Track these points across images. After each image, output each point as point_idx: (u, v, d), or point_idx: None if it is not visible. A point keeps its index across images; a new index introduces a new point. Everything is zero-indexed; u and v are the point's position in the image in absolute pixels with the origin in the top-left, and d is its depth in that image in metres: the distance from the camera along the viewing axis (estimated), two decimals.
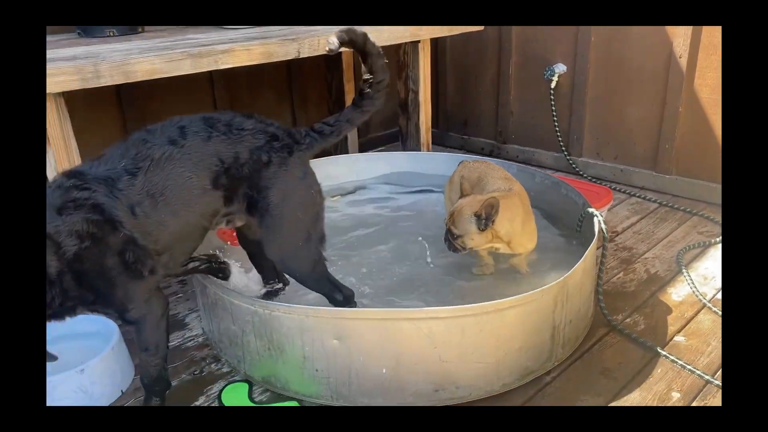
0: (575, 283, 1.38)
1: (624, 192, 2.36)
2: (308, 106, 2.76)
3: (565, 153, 2.58)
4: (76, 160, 1.42)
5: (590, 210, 1.63)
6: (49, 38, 1.79)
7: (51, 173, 1.40)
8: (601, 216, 1.62)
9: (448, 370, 1.25)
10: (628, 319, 1.58)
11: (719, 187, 2.16)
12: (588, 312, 1.52)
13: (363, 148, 2.92)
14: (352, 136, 2.71)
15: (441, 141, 3.11)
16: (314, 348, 1.25)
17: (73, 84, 1.31)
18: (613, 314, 1.57)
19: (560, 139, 2.58)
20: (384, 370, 1.25)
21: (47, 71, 1.26)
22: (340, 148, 2.72)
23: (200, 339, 1.56)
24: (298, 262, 1.35)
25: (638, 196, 2.32)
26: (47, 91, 1.28)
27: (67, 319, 1.13)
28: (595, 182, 2.44)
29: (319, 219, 1.35)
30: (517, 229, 1.54)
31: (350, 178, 2.25)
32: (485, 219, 1.47)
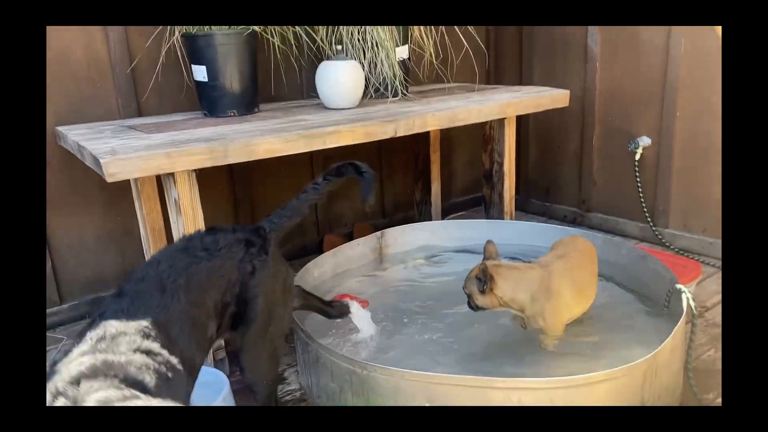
0: (664, 359, 1.40)
1: (714, 266, 2.33)
2: (396, 175, 2.93)
3: (651, 224, 2.58)
4: (201, 226, 1.62)
5: (678, 286, 1.65)
6: (179, 116, 2.06)
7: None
8: (690, 292, 1.63)
9: None
10: (719, 399, 1.56)
11: None
12: (677, 390, 1.52)
13: (445, 212, 3.04)
14: (436, 202, 2.84)
15: (522, 207, 3.19)
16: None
17: (206, 162, 1.52)
18: (704, 393, 1.56)
19: (645, 209, 2.59)
20: None
21: (186, 150, 1.48)
22: (424, 215, 2.85)
23: (298, 393, 1.68)
24: (267, 363, 1.35)
25: None
26: (187, 168, 1.50)
27: None
28: (683, 255, 2.42)
29: (290, 310, 1.41)
30: (527, 302, 1.59)
31: (433, 243, 2.36)
32: (483, 282, 1.56)
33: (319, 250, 2.73)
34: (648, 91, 2.51)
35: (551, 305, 1.59)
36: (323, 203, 2.73)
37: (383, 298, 2.03)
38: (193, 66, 1.94)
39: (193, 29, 1.88)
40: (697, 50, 2.30)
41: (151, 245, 2.02)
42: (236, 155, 1.56)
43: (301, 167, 2.56)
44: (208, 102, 1.98)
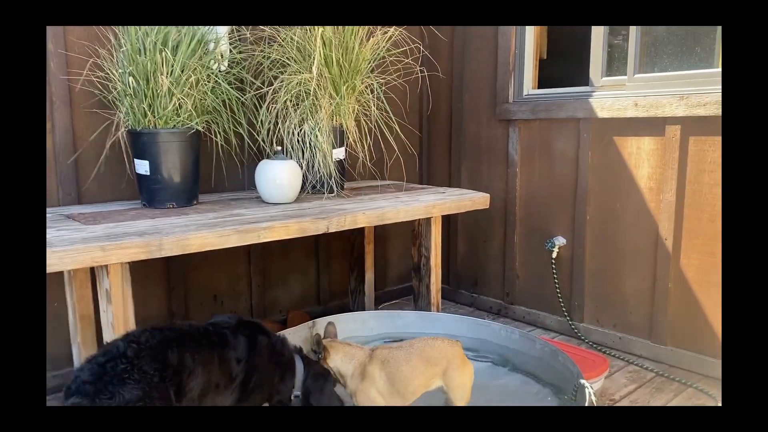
0: None
1: (623, 359, 2.49)
2: (332, 264, 3.03)
3: (568, 318, 2.75)
4: (131, 320, 1.65)
5: (582, 381, 1.78)
6: (118, 206, 2.12)
7: (109, 331, 1.63)
8: (592, 387, 1.76)
9: None
10: None
11: (713, 360, 2.30)
12: None
13: (379, 300, 3.14)
14: (370, 291, 2.94)
15: (453, 297, 3.32)
16: None
17: (140, 255, 1.58)
18: None
19: (562, 304, 2.77)
20: None
21: (121, 243, 1.54)
22: (358, 303, 2.94)
23: None
24: None
25: (636, 364, 2.44)
26: (121, 260, 1.56)
27: None
28: (595, 348, 2.59)
29: None
30: (348, 377, 1.74)
31: (362, 334, 2.43)
32: (317, 353, 1.75)
33: None
34: (562, 196, 2.76)
35: (362, 386, 1.72)
36: (258, 290, 2.79)
37: None
38: (135, 160, 2.03)
39: (138, 126, 1.99)
40: (603, 162, 2.58)
41: (79, 332, 2.02)
42: (170, 249, 1.63)
43: (237, 253, 2.63)
44: (148, 193, 2.06)
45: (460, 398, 1.79)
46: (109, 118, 2.11)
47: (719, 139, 2.21)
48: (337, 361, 1.76)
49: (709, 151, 2.25)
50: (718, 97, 2.17)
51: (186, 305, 2.56)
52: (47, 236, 1.58)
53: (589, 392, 1.71)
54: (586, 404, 1.66)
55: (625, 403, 2.14)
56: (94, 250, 1.50)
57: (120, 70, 1.96)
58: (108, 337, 1.65)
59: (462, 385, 1.79)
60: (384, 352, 1.76)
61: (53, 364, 2.20)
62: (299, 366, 1.67)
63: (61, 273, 2.00)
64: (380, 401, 1.72)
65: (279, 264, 2.82)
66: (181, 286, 2.53)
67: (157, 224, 1.78)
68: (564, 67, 3.19)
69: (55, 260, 1.44)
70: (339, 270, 3.07)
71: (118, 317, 1.64)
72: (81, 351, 2.04)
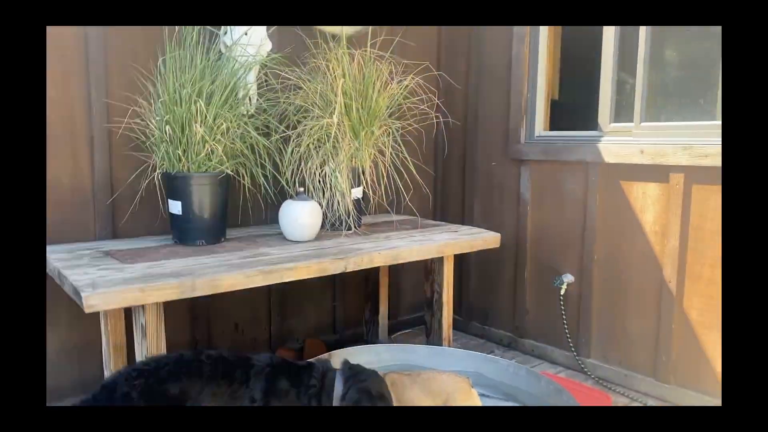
0: None
1: (627, 396, 2.57)
2: (347, 295, 3.15)
3: (575, 353, 2.84)
4: (163, 351, 1.78)
5: None
6: (151, 242, 2.26)
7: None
8: None
9: None
10: None
11: (714, 400, 2.37)
12: None
13: (392, 329, 3.25)
14: (383, 321, 3.06)
15: (464, 329, 3.42)
16: None
17: (175, 296, 1.72)
18: None
19: (570, 339, 2.86)
20: None
21: (158, 285, 1.68)
22: (372, 332, 3.05)
23: None
24: None
25: (640, 402, 2.52)
26: (157, 301, 1.69)
27: None
28: (600, 384, 2.67)
29: None
30: None
31: (376, 366, 2.54)
32: None
33: None
34: (571, 235, 2.86)
35: None
36: (277, 319, 2.91)
37: None
38: (169, 200, 2.18)
39: (173, 170, 2.14)
40: (610, 205, 2.68)
41: (112, 359, 2.15)
42: (202, 289, 1.76)
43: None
44: (180, 231, 2.20)
45: None
46: (145, 161, 2.27)
47: (720, 187, 2.31)
48: None
49: (711, 200, 2.35)
50: (719, 148, 2.28)
51: (209, 333, 2.70)
52: (91, 275, 1.73)
53: None
54: None
55: None
56: (134, 291, 1.64)
57: (157, 118, 2.12)
58: None
59: None
60: (393, 375, 1.89)
61: (86, 388, 2.33)
62: (337, 387, 1.62)
63: None
64: None
65: (297, 294, 2.95)
66: (204, 315, 2.67)
67: (189, 264, 1.91)
68: (575, 109, 3.31)
69: (99, 301, 1.58)
70: (353, 300, 3.19)
71: (152, 349, 1.77)
72: None
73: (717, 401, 2.37)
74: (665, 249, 2.50)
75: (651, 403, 2.50)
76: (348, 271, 2.11)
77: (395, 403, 1.82)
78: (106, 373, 2.21)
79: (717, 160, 2.29)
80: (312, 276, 2.02)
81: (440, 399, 1.88)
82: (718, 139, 2.33)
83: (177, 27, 2.29)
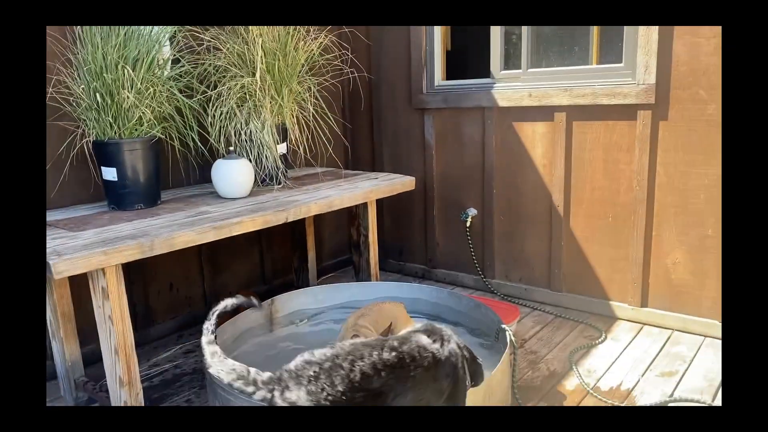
0: (497, 380, 1.94)
1: (529, 306, 3.02)
2: (274, 246, 3.31)
3: (482, 276, 3.24)
4: (126, 312, 1.87)
5: (503, 326, 2.23)
6: (86, 210, 2.27)
7: (107, 323, 1.84)
8: (511, 329, 2.22)
9: None
10: (541, 402, 2.14)
11: (598, 300, 2.87)
12: (506, 403, 2.07)
13: (319, 274, 3.46)
14: (312, 268, 3.26)
15: (382, 266, 3.71)
16: None
17: (136, 256, 1.80)
18: (527, 403, 2.13)
19: (477, 265, 3.25)
20: None
21: (119, 247, 1.75)
22: (302, 279, 3.25)
23: None
24: None
25: (540, 310, 2.97)
26: (120, 262, 1.77)
27: None
28: (505, 299, 3.09)
29: None
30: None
31: (313, 306, 2.77)
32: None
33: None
34: (472, 173, 3.20)
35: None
36: (209, 276, 3.01)
37: (277, 354, 2.39)
38: (102, 167, 2.19)
39: (104, 137, 2.15)
40: (505, 144, 3.04)
41: (61, 328, 2.18)
42: (160, 248, 1.86)
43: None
44: (117, 197, 2.23)
45: None
46: (73, 130, 2.25)
47: (596, 123, 2.73)
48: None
49: (588, 134, 2.76)
50: (594, 89, 2.68)
51: (145, 295, 2.75)
52: (49, 244, 1.76)
53: (509, 334, 2.16)
54: (507, 343, 2.11)
55: (533, 341, 2.65)
56: (98, 255, 1.71)
57: (83, 86, 2.10)
58: (106, 329, 1.87)
59: None
60: (352, 319, 2.11)
61: None
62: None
63: None
64: None
65: (225, 251, 3.06)
66: (140, 279, 2.71)
67: (139, 226, 1.98)
68: (469, 58, 3.61)
69: (68, 266, 1.64)
70: (280, 251, 3.35)
71: (116, 311, 1.85)
72: (63, 345, 2.20)
73: (600, 301, 2.87)
74: (553, 178, 2.91)
75: (548, 309, 2.96)
76: (289, 221, 2.27)
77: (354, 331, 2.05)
78: (55, 344, 2.24)
79: (591, 99, 2.69)
80: (257, 228, 2.16)
81: (390, 321, 2.16)
82: (593, 81, 2.72)
83: None
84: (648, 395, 2.15)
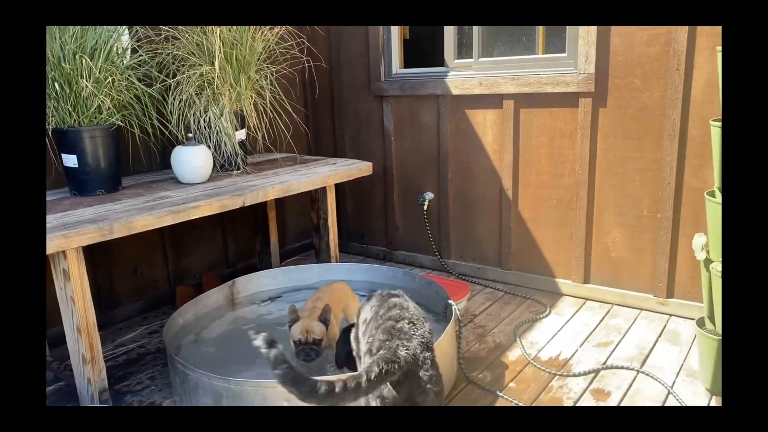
0: (441, 351, 2.07)
1: (481, 284, 3.17)
2: (236, 230, 3.39)
3: (438, 256, 3.38)
4: (88, 294, 1.95)
5: (449, 302, 2.37)
6: (49, 196, 2.33)
7: (69, 305, 1.92)
8: (458, 306, 2.36)
9: None
10: (480, 375, 2.29)
11: (543, 278, 3.03)
12: (452, 372, 2.22)
13: (282, 257, 3.56)
14: (275, 251, 3.36)
15: (345, 249, 3.83)
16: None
17: (96, 239, 1.88)
18: (471, 372, 2.28)
19: (434, 246, 3.39)
20: None
21: (79, 231, 1.83)
22: (264, 262, 3.35)
23: None
24: None
25: (491, 287, 3.13)
26: (80, 245, 1.85)
27: None
28: (460, 278, 3.24)
29: None
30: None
31: (273, 287, 2.88)
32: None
33: (171, 301, 3.07)
34: (428, 158, 3.33)
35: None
36: (173, 259, 3.09)
37: (238, 333, 2.50)
38: (63, 155, 2.25)
39: (64, 125, 2.21)
40: (459, 130, 3.17)
41: None
42: (119, 231, 1.94)
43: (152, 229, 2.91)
44: (78, 183, 2.30)
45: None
46: None
47: (541, 110, 2.87)
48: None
49: (534, 120, 2.90)
50: (539, 77, 2.81)
51: (110, 278, 2.83)
52: None
53: (455, 309, 2.30)
54: (453, 318, 2.25)
55: (482, 317, 2.80)
56: (58, 239, 1.79)
57: None
58: (68, 309, 1.95)
59: (354, 313, 2.33)
60: (310, 303, 2.23)
61: None
62: None
63: None
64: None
65: (189, 235, 3.14)
66: (104, 262, 2.78)
67: (99, 211, 2.06)
68: (426, 47, 3.72)
69: None
70: (243, 235, 3.44)
71: (77, 292, 1.94)
72: None
73: (545, 278, 3.03)
74: (502, 163, 3.05)
75: (498, 287, 3.12)
76: (246, 205, 2.37)
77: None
78: None
79: (537, 88, 2.83)
80: (214, 212, 2.25)
81: (343, 303, 2.29)
82: (538, 70, 2.86)
83: None
84: (583, 363, 2.32)
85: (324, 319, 2.11)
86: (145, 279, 3.00)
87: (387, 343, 1.44)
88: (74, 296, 1.94)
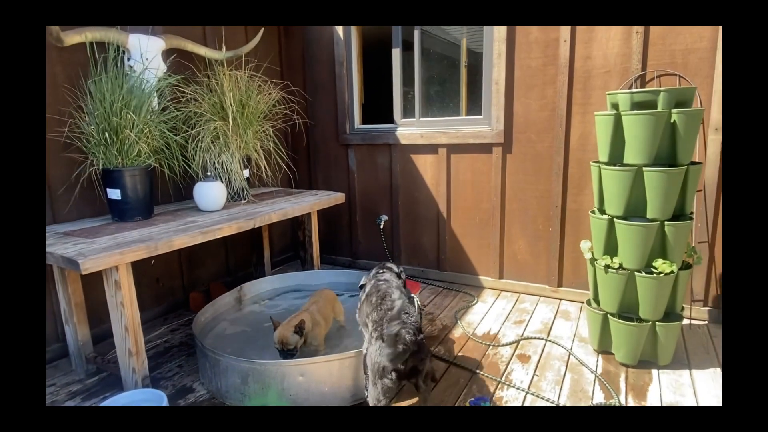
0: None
1: (425, 283, 3.26)
2: (236, 246, 3.30)
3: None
4: (135, 300, 1.86)
5: (412, 295, 2.43)
6: (93, 222, 2.19)
7: (119, 309, 1.82)
8: (418, 297, 2.42)
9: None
10: (436, 349, 2.36)
11: (470, 276, 3.17)
12: None
13: (272, 267, 3.49)
14: (267, 263, 3.29)
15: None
16: (289, 382, 1.81)
17: (143, 255, 1.80)
18: (430, 347, 2.34)
19: (388, 255, 3.45)
20: (326, 388, 1.84)
21: (132, 248, 1.75)
22: (259, 271, 3.27)
23: (207, 395, 1.98)
24: None
25: (432, 285, 3.22)
26: (131, 260, 1.76)
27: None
28: (411, 279, 3.32)
29: None
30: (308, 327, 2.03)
31: (270, 288, 2.83)
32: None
33: (186, 304, 2.93)
34: (383, 190, 3.40)
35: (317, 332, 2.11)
36: (187, 271, 2.97)
37: (246, 324, 2.43)
38: (108, 189, 2.14)
39: (110, 166, 2.10)
40: (406, 170, 3.27)
41: (75, 315, 2.09)
42: (162, 249, 1.87)
43: None
44: (119, 212, 2.18)
45: (341, 318, 2.34)
46: (82, 161, 2.17)
47: (466, 155, 3.03)
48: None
49: (461, 162, 3.06)
50: (464, 132, 2.98)
51: (139, 287, 2.66)
52: (73, 248, 1.72)
53: (417, 300, 2.37)
54: (416, 307, 2.32)
55: (430, 306, 2.88)
56: (116, 255, 1.70)
57: (91, 127, 2.05)
58: (118, 313, 1.84)
59: (341, 312, 2.35)
60: (307, 305, 2.21)
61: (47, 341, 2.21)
62: None
63: (50, 271, 2.05)
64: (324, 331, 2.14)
65: (199, 252, 3.03)
66: (134, 275, 2.62)
67: (143, 233, 1.97)
68: (380, 109, 3.82)
69: (93, 264, 1.63)
70: (241, 251, 3.35)
71: (126, 298, 1.84)
72: (76, 328, 2.12)
73: (472, 276, 3.17)
74: (439, 194, 3.18)
75: (438, 284, 3.22)
76: (257, 227, 2.34)
77: (324, 321, 2.14)
78: (68, 328, 2.15)
79: (462, 139, 2.99)
80: (234, 232, 2.21)
81: (332, 305, 2.29)
82: (463, 127, 3.02)
83: (95, 54, 2.18)
84: (507, 336, 2.44)
85: (299, 329, 1.99)
86: (165, 287, 2.85)
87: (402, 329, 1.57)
88: (123, 302, 1.84)
